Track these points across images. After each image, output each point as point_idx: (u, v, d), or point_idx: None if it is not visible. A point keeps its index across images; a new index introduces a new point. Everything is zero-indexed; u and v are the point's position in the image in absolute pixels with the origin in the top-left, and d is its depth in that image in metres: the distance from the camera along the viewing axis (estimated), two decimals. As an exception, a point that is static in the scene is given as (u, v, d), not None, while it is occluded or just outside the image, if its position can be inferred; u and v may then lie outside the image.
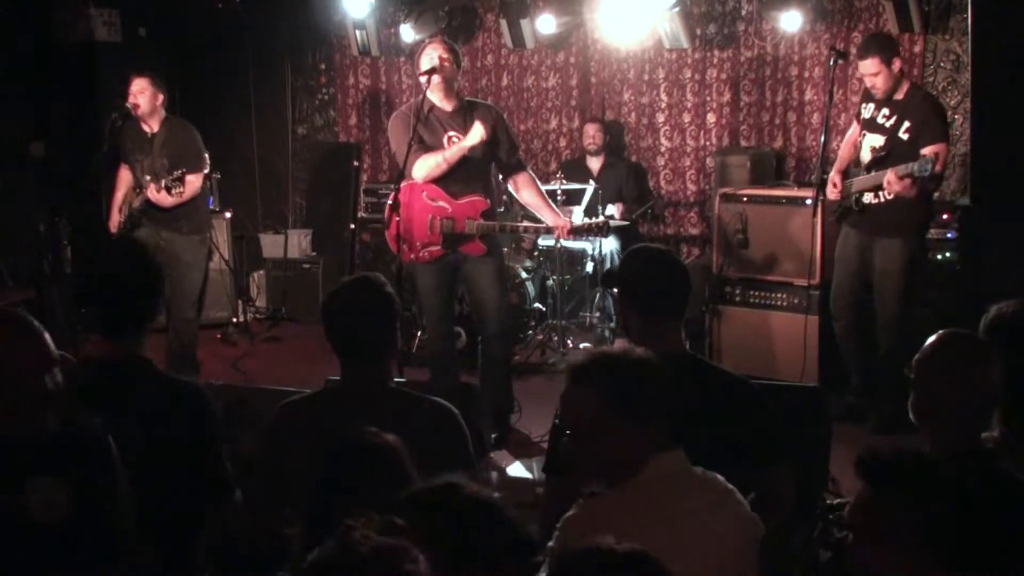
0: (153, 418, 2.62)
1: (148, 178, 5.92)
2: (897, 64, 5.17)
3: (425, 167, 4.97)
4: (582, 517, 2.20)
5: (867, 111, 5.30)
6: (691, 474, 2.27)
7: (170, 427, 2.63)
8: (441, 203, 5.01)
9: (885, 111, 5.20)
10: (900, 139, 5.12)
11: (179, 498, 2.62)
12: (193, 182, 5.93)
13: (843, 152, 5.61)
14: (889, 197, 5.13)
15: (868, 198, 5.24)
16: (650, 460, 2.21)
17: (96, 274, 2.81)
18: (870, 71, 5.12)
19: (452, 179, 5.00)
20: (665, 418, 2.24)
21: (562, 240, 6.57)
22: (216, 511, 2.73)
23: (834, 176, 5.40)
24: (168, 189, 5.74)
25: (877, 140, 5.20)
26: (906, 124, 5.11)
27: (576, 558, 1.64)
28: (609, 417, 2.21)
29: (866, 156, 5.27)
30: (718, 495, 2.26)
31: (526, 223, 4.99)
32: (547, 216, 5.18)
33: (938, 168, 5.01)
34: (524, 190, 5.18)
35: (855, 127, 5.54)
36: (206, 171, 6.10)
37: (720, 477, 2.30)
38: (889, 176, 5.00)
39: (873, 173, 5.18)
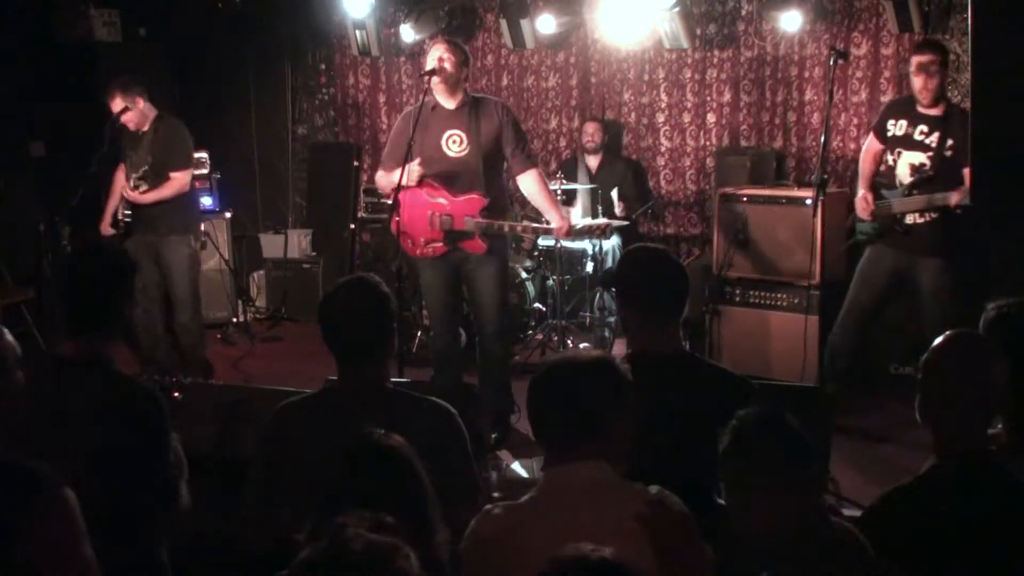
0: (103, 417, 2.63)
1: (134, 175, 5.97)
2: (945, 75, 5.08)
3: (379, 182, 5.25)
4: (482, 524, 2.23)
5: (897, 128, 5.16)
6: (600, 491, 2.17)
7: (118, 427, 2.64)
8: (440, 199, 5.02)
9: (923, 127, 5.07)
10: (945, 156, 5.02)
11: (130, 498, 2.62)
12: (179, 178, 5.96)
13: (867, 167, 5.36)
14: (934, 216, 5.04)
15: (912, 218, 5.11)
16: (552, 469, 2.23)
17: (60, 275, 2.85)
18: (927, 66, 4.97)
19: (451, 178, 4.99)
20: (559, 436, 2.24)
21: (562, 240, 6.59)
22: (162, 513, 2.74)
23: (866, 194, 5.23)
24: (135, 187, 5.87)
25: (917, 157, 5.07)
26: (949, 141, 5.00)
27: (557, 564, 1.63)
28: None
29: (905, 174, 5.13)
30: (646, 512, 2.12)
31: (525, 223, 4.95)
32: (551, 216, 5.15)
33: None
34: (529, 188, 5.13)
35: (872, 141, 5.38)
36: (191, 169, 6.07)
37: (666, 499, 2.18)
38: (956, 198, 4.86)
39: (921, 196, 5.04)
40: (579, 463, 2.19)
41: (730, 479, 2.21)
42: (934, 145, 5.04)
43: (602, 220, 5.00)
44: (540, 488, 2.23)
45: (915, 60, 5.09)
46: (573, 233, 5.03)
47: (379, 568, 1.57)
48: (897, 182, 5.19)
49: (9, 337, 2.25)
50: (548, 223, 5.25)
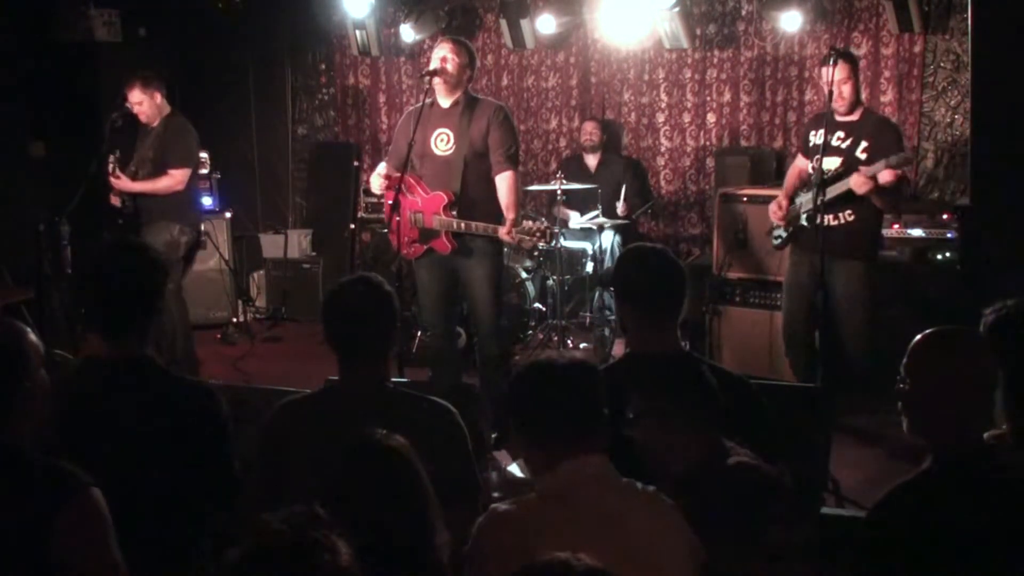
0: (159, 416, 2.62)
1: (132, 168, 6.00)
2: (858, 79, 5.17)
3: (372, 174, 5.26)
4: (490, 522, 2.22)
5: (817, 137, 5.19)
6: (607, 483, 2.22)
7: (177, 425, 2.62)
8: (416, 198, 5.04)
9: (840, 133, 5.13)
10: (857, 158, 5.05)
11: (185, 495, 2.61)
12: (175, 175, 5.97)
13: (789, 181, 5.46)
14: (850, 219, 5.08)
15: (826, 220, 5.05)
16: (552, 468, 2.21)
17: (93, 273, 2.79)
18: (840, 76, 5.02)
19: (435, 176, 5.01)
20: (566, 430, 2.23)
21: (562, 241, 6.60)
22: (221, 510, 2.72)
23: (781, 199, 5.32)
24: (132, 176, 5.96)
25: (833, 162, 5.10)
26: (863, 144, 5.06)
27: (536, 572, 1.62)
28: (514, 428, 2.35)
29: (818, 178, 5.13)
30: (643, 504, 2.21)
31: (477, 223, 4.93)
32: (508, 218, 4.97)
33: (890, 179, 4.94)
34: (498, 188, 4.99)
35: (799, 158, 5.46)
36: (189, 169, 6.06)
37: (659, 493, 2.24)
38: (855, 179, 4.89)
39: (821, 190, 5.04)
40: (584, 457, 2.21)
41: (648, 418, 2.40)
42: (846, 148, 5.10)
43: (543, 224, 4.96)
44: (548, 483, 2.22)
45: (824, 71, 5.07)
46: (515, 235, 4.92)
47: (304, 563, 1.56)
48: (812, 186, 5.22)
49: (33, 337, 2.25)
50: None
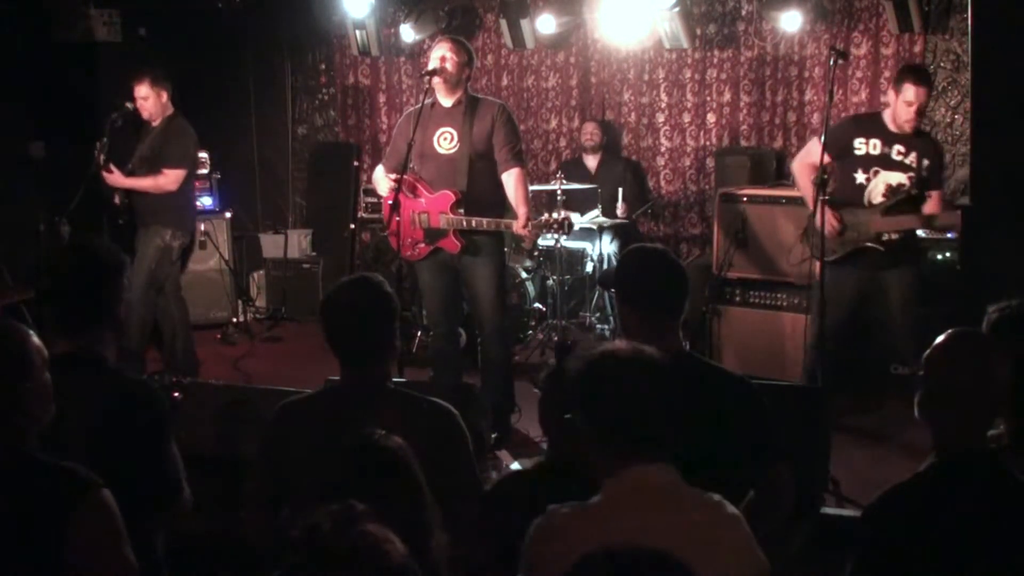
0: (97, 415, 2.60)
1: (129, 166, 6.02)
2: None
3: (374, 176, 5.29)
4: (544, 525, 2.16)
5: (871, 147, 5.08)
6: (676, 491, 2.16)
7: (114, 425, 2.60)
8: (420, 199, 5.04)
9: (899, 147, 5.03)
10: (923, 177, 5.04)
11: (127, 496, 2.59)
12: (169, 175, 5.98)
13: (808, 182, 5.08)
14: (907, 230, 5.09)
15: (888, 235, 5.05)
16: (617, 473, 2.14)
17: (48, 273, 2.81)
18: (922, 100, 4.99)
19: (438, 175, 5.02)
20: (636, 433, 2.15)
21: (562, 241, 6.59)
22: (161, 512, 2.71)
23: (831, 219, 5.02)
24: (129, 174, 5.99)
25: (896, 177, 5.04)
26: (925, 162, 5.04)
27: (600, 557, 1.58)
28: (580, 423, 2.21)
29: (878, 193, 5.07)
30: (709, 517, 2.14)
31: (488, 219, 4.94)
32: (520, 213, 5.00)
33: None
34: (507, 185, 5.03)
35: (816, 151, 4.99)
36: (185, 169, 6.07)
37: (724, 504, 2.18)
38: (949, 217, 4.97)
39: (907, 216, 5.02)
40: (654, 465, 2.14)
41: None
42: (913, 165, 5.05)
43: (559, 215, 4.99)
44: (612, 490, 2.14)
45: (913, 90, 4.97)
46: (532, 229, 4.95)
47: (369, 558, 1.55)
48: (866, 200, 5.10)
49: (35, 340, 2.25)
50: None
